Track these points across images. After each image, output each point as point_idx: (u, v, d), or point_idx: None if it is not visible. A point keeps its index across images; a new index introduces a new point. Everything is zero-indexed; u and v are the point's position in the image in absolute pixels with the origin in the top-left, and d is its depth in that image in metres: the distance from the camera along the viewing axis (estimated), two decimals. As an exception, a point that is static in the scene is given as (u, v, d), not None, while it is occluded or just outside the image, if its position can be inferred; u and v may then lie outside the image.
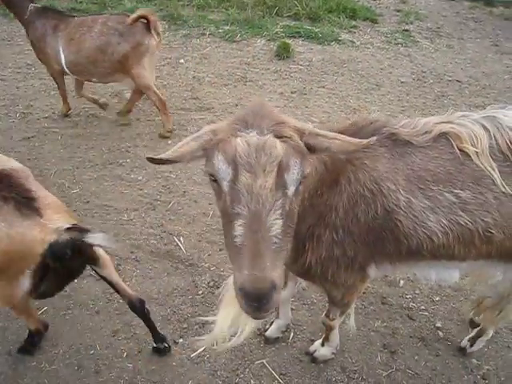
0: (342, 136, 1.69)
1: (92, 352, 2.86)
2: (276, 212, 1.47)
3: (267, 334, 2.95)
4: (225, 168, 1.52)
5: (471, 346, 2.89)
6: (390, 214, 1.99)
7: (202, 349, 2.85)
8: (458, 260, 2.18)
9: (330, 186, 1.98)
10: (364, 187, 1.98)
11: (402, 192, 1.98)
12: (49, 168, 4.24)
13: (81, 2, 7.37)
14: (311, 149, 1.63)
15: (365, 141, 1.67)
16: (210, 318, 2.25)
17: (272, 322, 2.96)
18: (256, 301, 1.40)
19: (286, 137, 1.55)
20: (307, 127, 1.68)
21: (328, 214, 2.00)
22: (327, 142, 1.65)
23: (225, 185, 1.52)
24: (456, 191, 1.99)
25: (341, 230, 2.02)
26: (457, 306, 3.26)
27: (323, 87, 5.69)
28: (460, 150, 2.02)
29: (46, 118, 4.90)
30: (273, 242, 1.45)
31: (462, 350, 2.93)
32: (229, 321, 2.00)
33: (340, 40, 6.87)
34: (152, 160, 1.68)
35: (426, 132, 2.06)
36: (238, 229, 1.46)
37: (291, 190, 1.52)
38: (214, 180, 1.56)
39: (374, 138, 1.71)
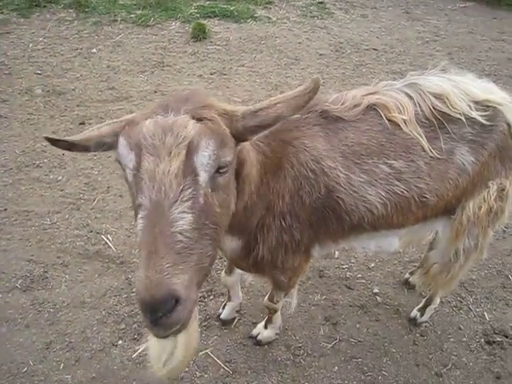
0: (282, 96, 1.51)
1: (25, 369, 2.68)
2: (183, 204, 1.26)
3: (222, 316, 2.91)
4: (127, 153, 1.34)
5: (421, 315, 2.98)
6: (331, 193, 1.98)
7: (143, 347, 2.76)
8: (396, 228, 2.23)
9: (274, 173, 1.90)
10: (307, 168, 1.93)
11: (340, 169, 1.97)
12: (-43, 179, 3.91)
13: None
14: (254, 130, 1.48)
15: (308, 86, 1.47)
16: (141, 347, 1.93)
17: (224, 305, 2.92)
18: (150, 311, 1.16)
19: (205, 118, 1.38)
20: (241, 108, 1.52)
21: (276, 201, 1.94)
22: (272, 112, 1.46)
23: (129, 173, 1.35)
24: (390, 162, 2.02)
25: (288, 215, 1.97)
26: (391, 269, 3.36)
27: (243, 66, 5.61)
28: (388, 119, 2.04)
29: None
30: (177, 240, 1.23)
31: (413, 321, 3.01)
32: (159, 347, 1.58)
33: (256, 17, 6.80)
34: (52, 142, 1.49)
35: (355, 105, 2.06)
36: (139, 222, 1.26)
37: (203, 176, 1.33)
38: (122, 168, 1.39)
39: (319, 77, 1.51)
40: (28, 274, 3.16)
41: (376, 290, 3.20)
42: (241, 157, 1.63)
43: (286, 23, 6.79)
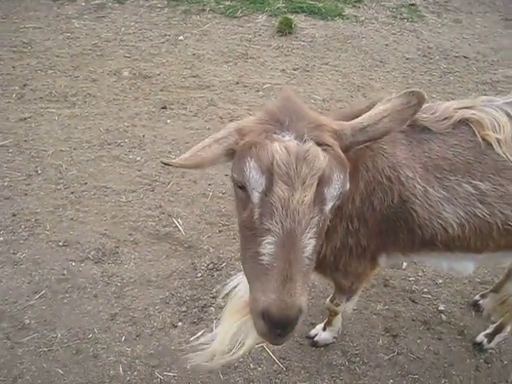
0: (383, 110, 1.53)
1: (90, 336, 2.83)
2: (311, 230, 1.33)
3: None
4: (258, 177, 1.36)
5: (489, 342, 2.82)
6: (405, 204, 1.91)
7: (201, 332, 2.82)
8: (473, 252, 2.10)
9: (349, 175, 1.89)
10: (382, 174, 1.88)
11: (418, 180, 1.89)
12: (46, 149, 4.16)
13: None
14: (360, 144, 1.52)
15: (411, 99, 1.49)
16: (202, 336, 2.04)
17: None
18: (281, 327, 1.30)
19: (327, 145, 1.40)
20: (348, 126, 1.53)
21: (345, 203, 1.89)
22: (381, 128, 1.49)
23: (255, 196, 1.37)
24: (475, 182, 1.91)
25: (356, 219, 1.93)
26: (460, 288, 3.21)
27: (326, 64, 5.54)
28: (481, 137, 1.92)
29: (42, 98, 4.79)
30: (305, 264, 1.33)
31: (479, 346, 2.85)
32: (230, 335, 1.83)
33: (344, 15, 6.67)
34: (167, 164, 1.55)
35: (445, 118, 1.96)
36: (268, 247, 1.32)
37: (329, 206, 1.39)
38: (241, 187, 1.41)
39: (420, 90, 1.52)
40: (100, 247, 3.32)
41: (442, 308, 3.07)
42: None
43: (373, 24, 6.61)
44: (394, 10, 7.05)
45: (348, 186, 1.44)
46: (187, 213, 3.60)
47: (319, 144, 1.39)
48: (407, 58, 5.82)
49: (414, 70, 5.58)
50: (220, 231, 3.46)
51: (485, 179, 1.91)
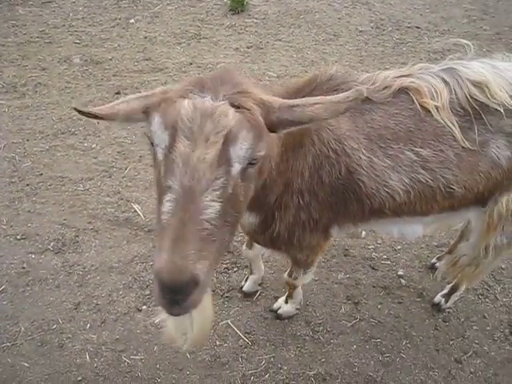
0: (322, 98, 1.50)
1: (54, 326, 2.82)
2: (214, 192, 1.27)
3: (245, 289, 2.96)
4: (161, 132, 1.32)
5: (446, 302, 2.94)
6: (352, 175, 1.94)
7: (161, 318, 2.82)
8: (420, 215, 2.17)
9: (294, 150, 1.89)
10: (328, 147, 1.90)
11: (363, 151, 1.93)
12: (-3, 142, 4.05)
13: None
14: (286, 124, 1.47)
15: (351, 95, 1.45)
16: (159, 317, 1.89)
17: (247, 278, 2.97)
18: (171, 293, 1.20)
19: (244, 107, 1.36)
20: (278, 100, 1.49)
21: (294, 178, 1.92)
22: (309, 111, 1.45)
23: (159, 152, 1.34)
24: (417, 149, 1.96)
25: (307, 193, 1.96)
26: (418, 253, 3.32)
27: (280, 40, 5.53)
28: (420, 105, 1.96)
29: (-10, 89, 4.65)
30: (203, 228, 1.24)
31: (436, 306, 2.97)
32: (176, 321, 1.66)
33: (296, -10, 6.64)
34: (80, 112, 1.51)
35: (385, 87, 1.99)
36: (167, 204, 1.27)
37: (236, 168, 1.32)
38: (152, 144, 1.38)
39: (364, 88, 1.50)
40: (60, 238, 3.29)
41: (401, 273, 3.17)
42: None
43: (326, -3, 6.62)
44: (346, -17, 7.05)
45: (264, 151, 1.38)
46: (146, 197, 3.58)
47: (234, 105, 1.35)
48: (360, 31, 5.86)
49: (367, 43, 5.63)
50: (180, 213, 3.46)
51: (426, 146, 1.96)
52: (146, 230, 3.34)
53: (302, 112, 1.45)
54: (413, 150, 1.96)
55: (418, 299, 3.03)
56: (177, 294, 1.20)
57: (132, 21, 5.79)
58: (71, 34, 5.50)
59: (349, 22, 6.04)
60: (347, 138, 1.92)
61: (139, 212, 3.46)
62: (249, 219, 2.05)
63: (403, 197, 2.01)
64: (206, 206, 1.26)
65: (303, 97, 1.68)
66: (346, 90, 1.89)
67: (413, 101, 1.97)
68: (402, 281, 3.13)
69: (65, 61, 5.06)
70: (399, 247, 3.35)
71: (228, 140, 1.29)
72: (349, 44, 5.57)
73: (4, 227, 3.37)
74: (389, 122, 1.96)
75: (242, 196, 1.40)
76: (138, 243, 3.26)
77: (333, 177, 1.94)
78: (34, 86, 4.68)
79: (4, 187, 3.67)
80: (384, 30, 5.94)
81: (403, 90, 2.00)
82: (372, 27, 5.98)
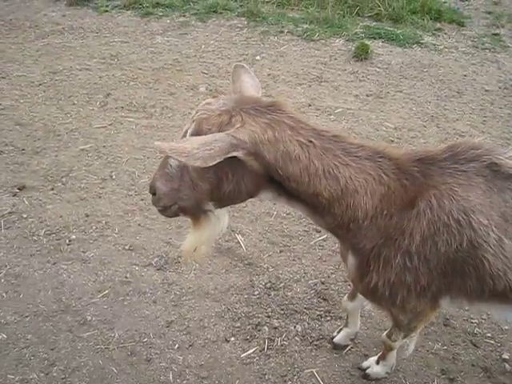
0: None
1: (145, 340, 2.93)
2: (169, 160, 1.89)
3: (335, 340, 2.87)
4: None
5: None
6: (476, 250, 1.82)
7: (253, 350, 2.84)
8: None
9: (402, 209, 1.83)
10: (450, 216, 1.80)
11: (494, 229, 1.79)
12: (121, 156, 4.39)
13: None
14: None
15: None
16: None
17: (340, 330, 2.89)
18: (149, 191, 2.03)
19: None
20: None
21: (399, 237, 1.85)
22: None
23: None
24: None
25: (416, 256, 1.86)
26: (529, 337, 3.02)
27: (400, 92, 5.47)
28: None
29: (123, 107, 5.07)
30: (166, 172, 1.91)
31: None
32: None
33: (422, 43, 6.56)
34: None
35: None
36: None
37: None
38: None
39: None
40: (164, 255, 3.44)
41: (506, 356, 2.88)
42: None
43: (453, 53, 6.45)
44: (476, 39, 6.84)
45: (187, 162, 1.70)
46: (250, 230, 3.65)
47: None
48: (486, 90, 5.62)
49: (492, 103, 5.38)
50: (281, 251, 3.48)
51: None
52: (245, 262, 3.39)
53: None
54: None
55: (523, 390, 2.75)
56: (150, 191, 2.01)
57: (258, 57, 6.06)
58: (200, 65, 5.88)
59: (475, 80, 5.83)
60: (476, 211, 1.80)
61: (242, 243, 3.53)
62: (350, 259, 2.03)
63: None
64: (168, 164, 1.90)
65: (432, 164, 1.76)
66: (487, 163, 1.82)
67: None
68: (507, 366, 2.84)
69: (192, 88, 5.40)
70: (507, 327, 3.07)
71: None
72: (472, 103, 5.35)
73: (115, 236, 3.60)
74: None
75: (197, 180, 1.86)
76: (236, 274, 3.31)
77: (451, 247, 1.83)
78: (161, 109, 5.04)
79: (121, 198, 3.94)
80: (513, 92, 5.65)
81: None
82: (500, 87, 5.71)
